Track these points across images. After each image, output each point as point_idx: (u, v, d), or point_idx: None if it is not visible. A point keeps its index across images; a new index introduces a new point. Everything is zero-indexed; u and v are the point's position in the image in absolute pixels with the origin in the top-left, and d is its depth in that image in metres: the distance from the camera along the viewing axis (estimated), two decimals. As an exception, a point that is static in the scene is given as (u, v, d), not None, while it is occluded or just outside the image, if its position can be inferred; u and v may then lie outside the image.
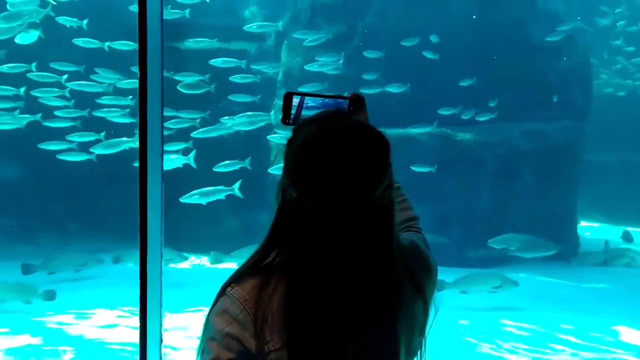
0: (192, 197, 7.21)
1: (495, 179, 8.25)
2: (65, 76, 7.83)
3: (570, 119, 8.66)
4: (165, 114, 2.34)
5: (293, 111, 1.66)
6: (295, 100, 1.66)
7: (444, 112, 7.99)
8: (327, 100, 1.68)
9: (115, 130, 7.67)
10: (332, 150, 1.30)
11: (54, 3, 7.62)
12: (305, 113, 1.65)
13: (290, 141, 1.37)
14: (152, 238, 2.27)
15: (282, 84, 9.19)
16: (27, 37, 7.93)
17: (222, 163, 7.60)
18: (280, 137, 8.09)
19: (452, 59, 8.22)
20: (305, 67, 8.51)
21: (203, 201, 7.24)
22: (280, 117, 1.67)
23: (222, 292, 1.30)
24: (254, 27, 8.83)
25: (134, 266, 5.84)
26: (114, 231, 7.74)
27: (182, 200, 7.15)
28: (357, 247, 1.29)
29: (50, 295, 6.46)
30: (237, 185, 7.38)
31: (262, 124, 8.04)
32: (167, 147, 6.64)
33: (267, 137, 8.26)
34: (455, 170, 8.03)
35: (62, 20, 7.85)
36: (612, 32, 11.55)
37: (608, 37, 11.60)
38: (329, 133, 1.32)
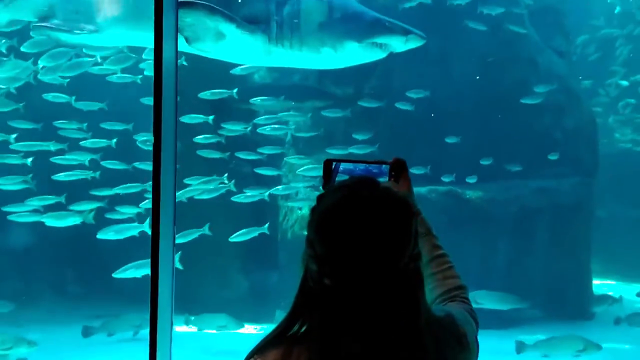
0: (127, 272, 6.88)
1: (507, 237, 8.19)
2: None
3: (580, 176, 8.67)
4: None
5: (334, 177, 1.64)
6: (335, 167, 1.64)
7: (447, 178, 8.02)
8: (367, 165, 1.65)
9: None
10: (350, 221, 1.27)
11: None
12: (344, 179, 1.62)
13: (313, 210, 1.35)
14: (163, 304, 2.25)
15: (290, 144, 9.30)
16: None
17: (239, 232, 7.41)
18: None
19: (458, 118, 8.33)
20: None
21: (138, 274, 6.79)
22: (322, 183, 1.65)
23: None
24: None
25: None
26: (122, 294, 7.69)
27: (115, 275, 6.88)
28: (379, 321, 1.25)
29: None
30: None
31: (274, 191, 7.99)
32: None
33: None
34: (466, 228, 7.97)
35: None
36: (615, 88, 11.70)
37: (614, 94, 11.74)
38: (348, 203, 1.30)
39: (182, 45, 5.24)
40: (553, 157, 8.30)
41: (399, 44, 5.04)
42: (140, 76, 7.80)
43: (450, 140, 8.08)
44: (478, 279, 7.82)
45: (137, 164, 7.61)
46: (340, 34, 4.92)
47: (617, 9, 11.39)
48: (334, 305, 1.26)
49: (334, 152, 7.51)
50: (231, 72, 7.74)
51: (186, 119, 7.25)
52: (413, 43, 5.08)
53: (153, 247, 2.24)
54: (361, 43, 4.95)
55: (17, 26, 6.46)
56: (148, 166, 7.30)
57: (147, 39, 5.52)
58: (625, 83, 11.06)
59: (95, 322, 7.55)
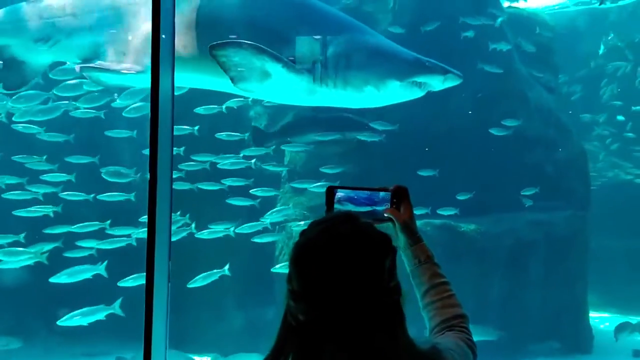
0: (72, 320, 6.81)
1: (502, 270, 8.18)
2: None
3: (573, 208, 8.72)
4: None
5: (336, 205, 1.66)
6: (338, 194, 1.66)
7: (444, 211, 8.05)
8: (368, 193, 1.68)
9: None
10: (324, 257, 1.28)
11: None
12: (345, 206, 1.65)
13: (294, 245, 1.37)
14: (157, 341, 2.25)
15: (285, 179, 9.34)
16: None
17: (198, 277, 7.37)
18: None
19: (453, 152, 8.41)
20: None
21: (84, 322, 6.78)
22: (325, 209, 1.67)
23: None
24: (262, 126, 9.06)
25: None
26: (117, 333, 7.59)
27: (60, 323, 6.78)
28: (355, 357, 1.25)
29: None
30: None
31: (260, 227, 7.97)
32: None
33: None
34: (462, 262, 7.97)
35: None
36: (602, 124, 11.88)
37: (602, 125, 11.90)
38: (323, 239, 1.31)
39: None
40: (528, 192, 8.28)
41: (437, 83, 5.16)
42: (104, 111, 7.81)
43: (442, 172, 8.16)
44: (474, 313, 7.72)
45: (100, 196, 7.63)
46: (383, 74, 5.04)
47: (602, 49, 11.65)
48: (310, 342, 1.26)
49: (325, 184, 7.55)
50: (225, 105, 7.84)
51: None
52: (451, 82, 5.21)
53: (148, 284, 2.24)
54: (402, 82, 5.07)
55: (60, 74, 6.52)
56: (110, 197, 7.45)
57: (191, 79, 5.62)
58: (621, 118, 11.23)
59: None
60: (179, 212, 7.58)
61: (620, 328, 8.72)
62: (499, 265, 8.18)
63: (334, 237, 1.31)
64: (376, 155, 8.51)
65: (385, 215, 1.78)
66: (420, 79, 5.08)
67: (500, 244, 8.24)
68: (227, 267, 7.43)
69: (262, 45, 4.72)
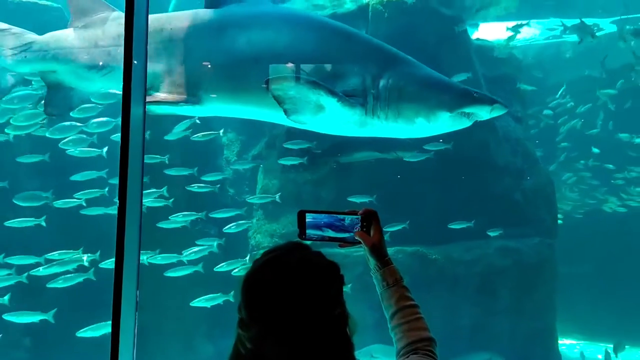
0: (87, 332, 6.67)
1: (473, 297, 8.23)
2: None
3: (541, 236, 8.87)
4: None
5: (307, 229, 1.69)
6: (308, 218, 1.69)
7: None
8: (339, 216, 1.71)
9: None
10: (267, 287, 1.31)
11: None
12: (317, 229, 1.68)
13: (244, 274, 1.40)
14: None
15: (258, 206, 9.30)
16: None
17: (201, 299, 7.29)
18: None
19: (423, 179, 8.51)
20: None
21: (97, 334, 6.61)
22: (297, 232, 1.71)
23: None
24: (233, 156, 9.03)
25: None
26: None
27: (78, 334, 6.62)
28: None
29: None
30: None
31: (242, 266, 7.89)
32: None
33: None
34: (433, 288, 8.00)
35: None
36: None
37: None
38: (267, 268, 1.34)
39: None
40: (494, 232, 8.41)
41: (484, 113, 5.26)
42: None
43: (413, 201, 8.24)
44: (445, 340, 7.78)
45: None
46: (434, 106, 5.12)
47: (563, 89, 12.06)
48: None
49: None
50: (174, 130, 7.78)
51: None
52: (497, 112, 5.31)
53: (115, 311, 2.20)
54: (452, 113, 5.15)
55: (112, 99, 6.36)
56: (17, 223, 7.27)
57: (246, 111, 5.60)
58: (596, 150, 11.54)
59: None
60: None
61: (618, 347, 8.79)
62: (470, 292, 8.24)
63: (280, 266, 1.34)
64: (350, 181, 8.56)
65: (355, 238, 1.80)
66: (468, 109, 5.19)
67: (471, 271, 8.31)
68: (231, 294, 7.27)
69: (318, 80, 4.84)
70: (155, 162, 7.54)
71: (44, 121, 7.14)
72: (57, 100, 5.93)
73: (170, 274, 7.41)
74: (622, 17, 11.82)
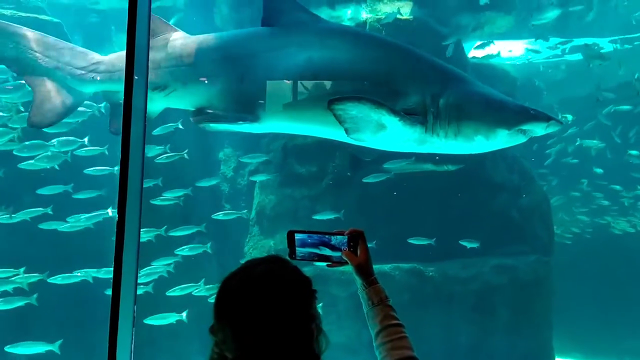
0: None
1: (470, 315, 8.20)
2: None
3: (537, 254, 8.87)
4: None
5: (297, 247, 1.74)
6: (297, 238, 1.75)
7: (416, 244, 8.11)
8: (326, 237, 1.76)
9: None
10: (236, 299, 1.37)
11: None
12: (306, 249, 1.74)
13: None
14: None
15: (255, 222, 9.30)
16: None
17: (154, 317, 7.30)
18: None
19: (420, 196, 8.53)
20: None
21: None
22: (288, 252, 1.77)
23: None
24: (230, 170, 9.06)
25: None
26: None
27: None
28: None
29: None
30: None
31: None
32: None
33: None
34: (430, 306, 7.97)
35: None
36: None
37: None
38: (236, 282, 1.41)
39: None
40: (470, 243, 8.41)
41: (540, 130, 5.32)
42: None
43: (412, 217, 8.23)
44: (441, 357, 7.74)
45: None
46: (494, 123, 5.18)
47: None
48: None
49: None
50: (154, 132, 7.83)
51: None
52: (552, 128, 5.38)
53: (112, 327, 2.18)
54: (510, 130, 5.21)
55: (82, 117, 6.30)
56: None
57: (305, 128, 5.69)
58: (599, 170, 11.57)
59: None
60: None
61: None
62: (466, 309, 8.21)
63: (245, 277, 1.41)
64: (346, 198, 8.57)
65: (343, 257, 1.86)
66: (526, 126, 5.25)
67: (467, 288, 8.29)
68: (184, 313, 7.25)
69: (379, 99, 4.89)
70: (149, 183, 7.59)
71: (15, 137, 7.25)
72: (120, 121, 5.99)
73: (171, 293, 7.42)
74: (622, 36, 11.97)
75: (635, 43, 12.37)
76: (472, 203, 8.69)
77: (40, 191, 7.37)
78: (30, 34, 5.94)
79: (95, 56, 6.09)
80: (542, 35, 11.00)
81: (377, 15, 9.17)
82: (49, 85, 5.80)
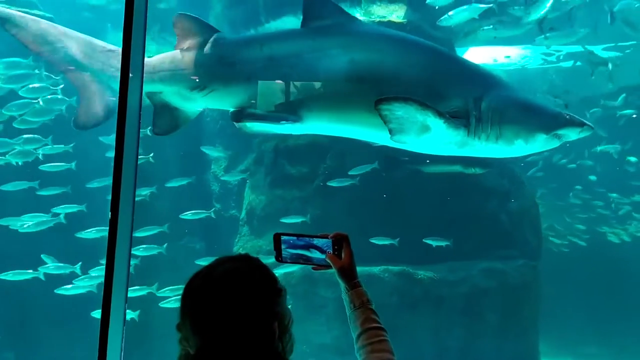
0: None
1: (459, 318, 8.24)
2: None
3: (525, 258, 8.93)
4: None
5: (283, 250, 1.79)
6: (283, 240, 1.79)
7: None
8: (311, 240, 1.79)
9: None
10: (198, 297, 1.41)
11: None
12: (292, 251, 1.79)
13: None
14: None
15: (244, 222, 9.29)
16: None
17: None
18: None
19: (409, 199, 8.56)
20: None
21: None
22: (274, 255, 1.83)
23: None
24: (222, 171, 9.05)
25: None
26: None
27: None
28: None
29: None
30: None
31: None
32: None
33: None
34: (419, 308, 8.00)
35: None
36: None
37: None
38: (199, 280, 1.45)
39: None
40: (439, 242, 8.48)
41: (574, 134, 5.41)
42: None
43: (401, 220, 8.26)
44: (430, 359, 7.79)
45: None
46: (534, 127, 5.27)
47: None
48: None
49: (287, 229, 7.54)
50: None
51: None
52: (585, 133, 5.47)
53: (103, 323, 2.17)
54: (548, 135, 5.31)
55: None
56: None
57: (347, 130, 5.69)
58: (593, 178, 11.63)
59: None
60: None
61: None
62: (455, 313, 8.25)
63: (206, 275, 1.45)
64: (336, 200, 8.58)
65: (326, 260, 1.90)
66: (562, 131, 5.36)
67: (456, 291, 8.33)
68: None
69: (427, 102, 4.96)
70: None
71: None
72: (164, 120, 5.97)
73: (62, 291, 7.40)
74: (618, 44, 12.08)
75: (627, 51, 12.50)
76: (462, 207, 8.73)
77: (4, 187, 7.44)
78: (77, 35, 5.95)
79: None
80: (538, 42, 11.02)
81: (370, 17, 9.20)
82: (95, 87, 5.83)
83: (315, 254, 1.89)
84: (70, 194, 7.77)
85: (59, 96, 7.88)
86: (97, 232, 7.44)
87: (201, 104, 5.92)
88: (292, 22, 9.53)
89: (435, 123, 5.02)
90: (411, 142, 5.33)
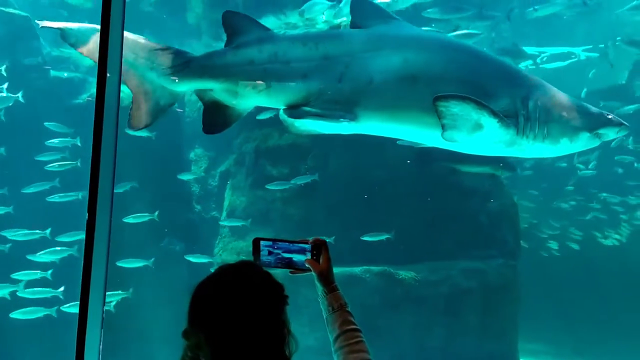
0: None
1: (439, 318, 8.30)
2: None
3: (504, 258, 9.02)
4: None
5: (262, 255, 1.82)
6: (263, 245, 1.82)
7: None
8: (290, 245, 1.83)
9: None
10: (206, 303, 1.44)
11: None
12: (271, 257, 1.82)
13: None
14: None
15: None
16: None
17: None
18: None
19: (391, 200, 8.59)
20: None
21: None
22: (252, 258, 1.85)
23: None
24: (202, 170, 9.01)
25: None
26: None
27: None
28: None
29: None
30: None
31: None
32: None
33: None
34: (400, 308, 8.04)
35: None
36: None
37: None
38: (207, 287, 1.48)
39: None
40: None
41: (613, 133, 5.55)
42: None
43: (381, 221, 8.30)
44: (411, 358, 7.82)
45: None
46: (578, 127, 5.41)
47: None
48: None
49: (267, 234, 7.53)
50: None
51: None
52: (622, 132, 5.64)
53: (80, 328, 2.14)
54: (591, 134, 5.44)
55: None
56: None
57: (400, 130, 5.71)
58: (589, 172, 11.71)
59: None
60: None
61: None
62: (436, 312, 8.30)
63: (219, 282, 1.47)
64: (317, 200, 8.58)
65: (305, 265, 1.95)
66: (602, 130, 5.48)
67: (437, 291, 8.38)
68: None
69: (483, 101, 5.07)
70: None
71: None
72: (215, 118, 5.89)
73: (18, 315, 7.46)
74: (601, 45, 12.29)
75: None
76: (443, 207, 8.79)
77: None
78: (126, 35, 5.85)
79: (188, 55, 6.03)
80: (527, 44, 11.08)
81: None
82: (145, 87, 5.75)
83: (294, 259, 1.95)
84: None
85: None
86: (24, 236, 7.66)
87: (253, 101, 5.88)
88: (272, 22, 9.51)
89: (489, 122, 5.14)
90: (462, 141, 5.41)
